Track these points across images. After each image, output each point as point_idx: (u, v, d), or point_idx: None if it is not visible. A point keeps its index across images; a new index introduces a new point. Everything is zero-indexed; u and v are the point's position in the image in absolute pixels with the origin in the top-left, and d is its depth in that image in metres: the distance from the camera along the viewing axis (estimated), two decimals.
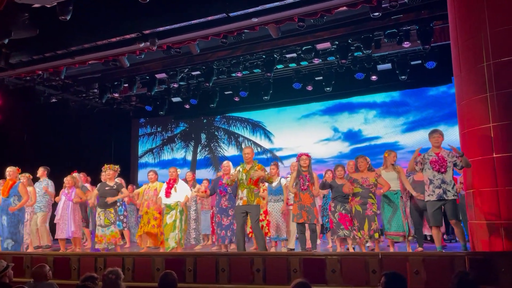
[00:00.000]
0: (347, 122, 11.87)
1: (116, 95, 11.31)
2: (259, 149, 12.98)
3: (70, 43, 8.09)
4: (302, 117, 12.39)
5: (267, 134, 13.08)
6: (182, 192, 7.31)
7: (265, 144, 13.06)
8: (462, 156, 5.30)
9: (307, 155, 6.47)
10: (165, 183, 7.41)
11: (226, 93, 11.73)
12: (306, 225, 6.32)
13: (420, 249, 6.17)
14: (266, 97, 11.13)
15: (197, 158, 13.79)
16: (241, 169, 6.26)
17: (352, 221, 6.26)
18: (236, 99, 11.52)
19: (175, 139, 14.24)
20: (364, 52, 9.02)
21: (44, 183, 8.04)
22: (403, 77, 9.63)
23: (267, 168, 6.96)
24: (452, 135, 9.00)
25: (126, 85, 10.97)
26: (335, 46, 9.12)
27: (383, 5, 6.88)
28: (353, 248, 6.49)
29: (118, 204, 7.92)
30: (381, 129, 11.43)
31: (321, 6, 6.78)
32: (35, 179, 8.15)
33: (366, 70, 9.94)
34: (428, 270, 4.56)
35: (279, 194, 7.16)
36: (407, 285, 3.33)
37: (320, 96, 11.26)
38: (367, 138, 11.55)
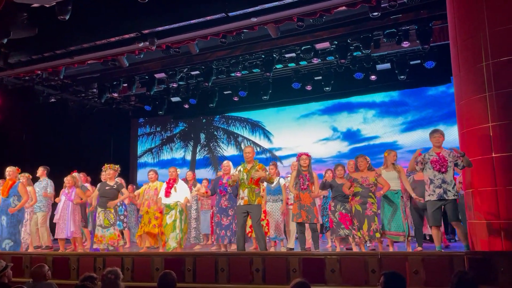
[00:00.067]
0: (346, 122, 11.88)
1: (115, 95, 11.30)
2: (258, 149, 12.97)
3: (69, 43, 8.08)
4: (301, 117, 12.40)
5: (266, 134, 13.08)
6: (182, 192, 7.30)
7: (264, 143, 13.07)
8: (463, 156, 5.28)
9: (307, 154, 6.47)
10: (165, 183, 7.41)
11: (225, 93, 11.71)
12: (306, 225, 6.32)
13: (419, 248, 6.17)
14: (265, 97, 11.13)
15: (196, 158, 13.80)
16: (242, 169, 6.24)
17: (352, 220, 6.26)
18: (235, 99, 11.51)
19: (174, 139, 14.23)
20: (363, 52, 9.01)
21: (44, 183, 8.03)
22: (402, 76, 9.63)
23: (266, 168, 6.96)
24: (451, 135, 8.99)
25: (125, 85, 10.95)
26: (334, 46, 9.11)
27: (382, 5, 6.87)
28: (356, 247, 6.48)
29: (118, 204, 7.91)
30: (380, 129, 11.44)
31: (320, 6, 6.77)
32: (35, 179, 8.14)
33: (365, 70, 9.95)
34: (427, 269, 4.57)
35: (278, 194, 7.15)
36: (406, 285, 3.32)
37: (319, 96, 11.26)
38: (366, 138, 11.57)
